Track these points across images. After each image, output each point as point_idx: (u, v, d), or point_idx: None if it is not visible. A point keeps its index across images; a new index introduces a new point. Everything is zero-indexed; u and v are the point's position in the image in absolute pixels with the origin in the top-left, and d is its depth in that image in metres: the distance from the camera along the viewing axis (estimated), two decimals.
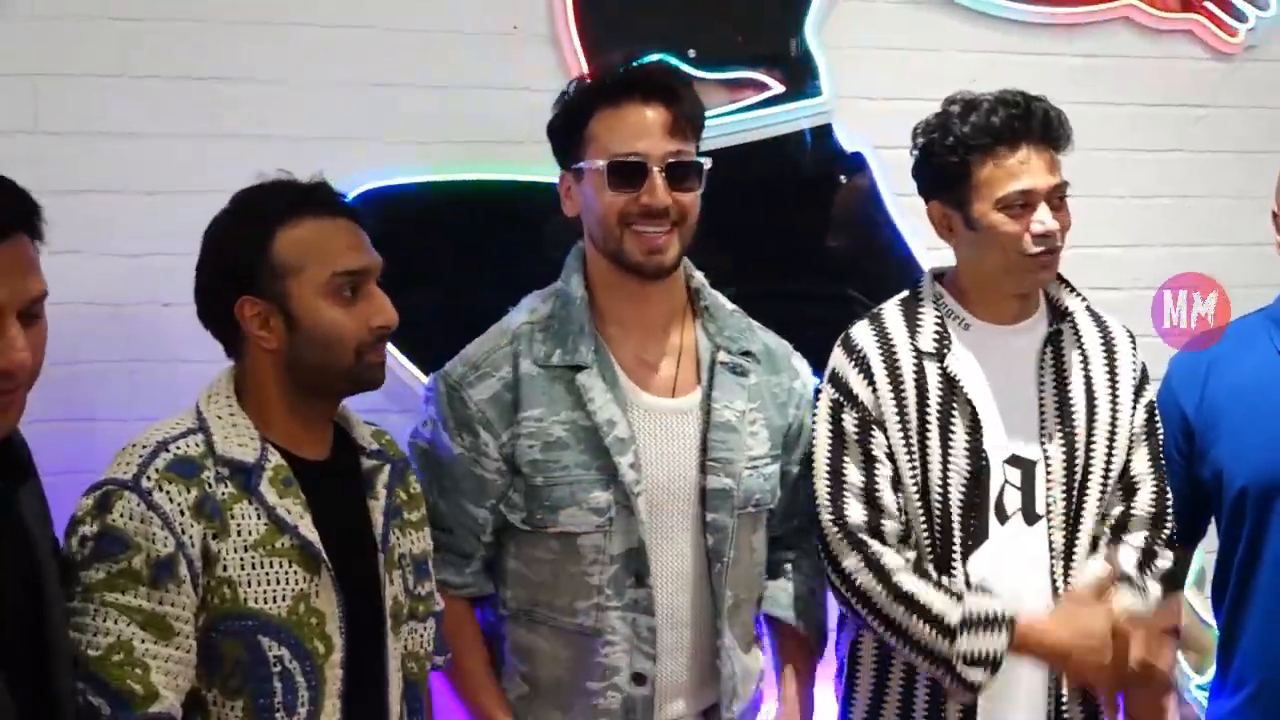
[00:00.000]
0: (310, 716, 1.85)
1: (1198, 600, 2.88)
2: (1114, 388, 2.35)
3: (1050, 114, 2.25)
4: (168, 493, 1.80)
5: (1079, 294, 2.38)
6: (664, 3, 2.87)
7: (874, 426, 2.28)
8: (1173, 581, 2.34)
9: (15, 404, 1.61)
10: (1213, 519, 2.47)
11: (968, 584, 2.24)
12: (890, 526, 2.26)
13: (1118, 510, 2.34)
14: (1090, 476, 2.31)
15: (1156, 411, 2.39)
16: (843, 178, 2.99)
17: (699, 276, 2.31)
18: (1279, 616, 2.32)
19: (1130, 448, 2.35)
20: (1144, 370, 2.40)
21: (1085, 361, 2.35)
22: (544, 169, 2.53)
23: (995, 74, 2.66)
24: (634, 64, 2.21)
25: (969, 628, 2.20)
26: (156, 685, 1.75)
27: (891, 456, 2.27)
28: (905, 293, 2.39)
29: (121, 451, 1.85)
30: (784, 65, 2.91)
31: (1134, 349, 2.40)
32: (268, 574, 1.84)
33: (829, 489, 2.28)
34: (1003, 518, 2.28)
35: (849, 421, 2.28)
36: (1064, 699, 2.29)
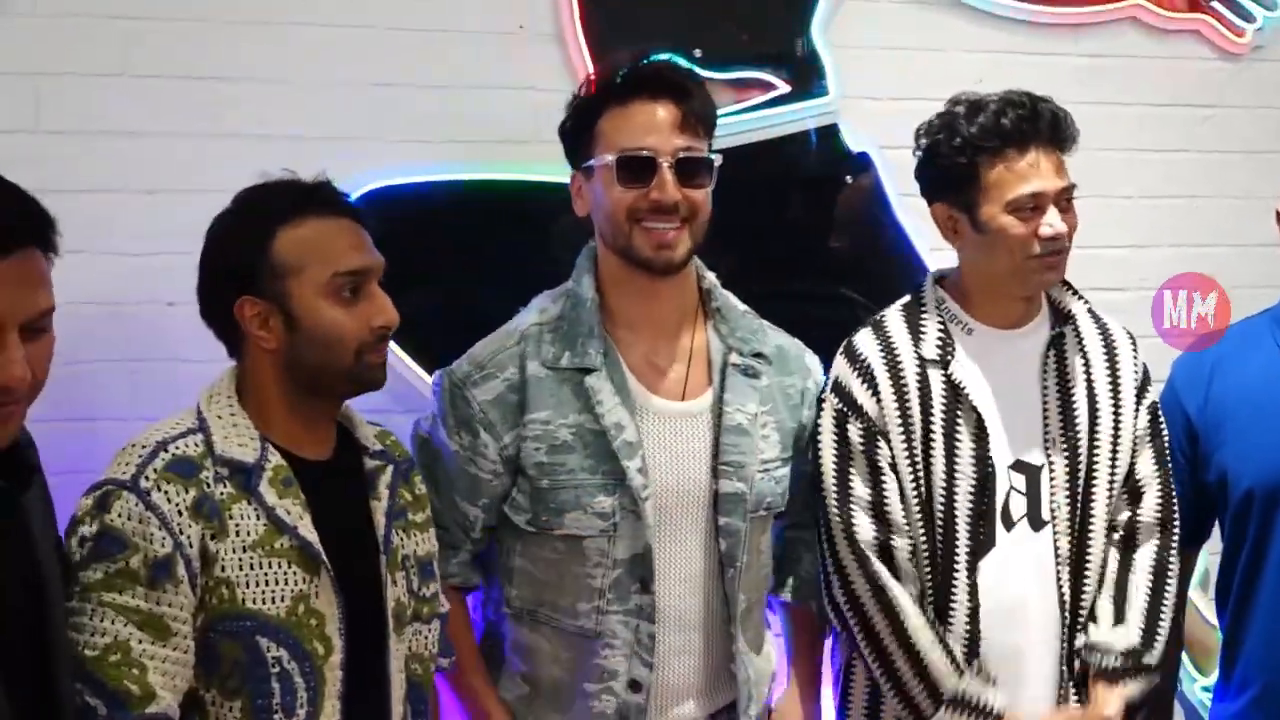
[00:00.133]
0: (309, 717, 1.85)
1: (1201, 601, 2.87)
2: (1116, 390, 2.34)
3: (1058, 115, 2.24)
4: (166, 493, 1.80)
5: (1081, 296, 2.37)
6: (670, 2, 2.86)
7: (879, 437, 2.26)
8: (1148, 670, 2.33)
9: (14, 416, 1.60)
10: (1216, 520, 2.46)
11: (975, 599, 2.23)
12: (900, 543, 2.24)
13: (1124, 516, 2.33)
14: (1095, 481, 2.30)
15: (1160, 413, 2.38)
16: (848, 178, 2.98)
17: (710, 277, 2.30)
18: None
19: (1135, 451, 2.34)
20: (1146, 372, 2.39)
21: (1087, 365, 2.34)
22: (549, 169, 2.52)
23: (1001, 74, 2.65)
24: (643, 62, 2.20)
25: (957, 706, 2.21)
26: (153, 685, 1.75)
27: (895, 467, 2.26)
28: (907, 298, 2.38)
29: (121, 451, 1.85)
30: (790, 65, 2.90)
31: (1135, 351, 2.39)
32: (266, 574, 1.83)
33: (838, 504, 2.26)
34: (1009, 524, 2.28)
35: (854, 432, 2.27)
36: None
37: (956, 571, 2.25)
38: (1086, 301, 2.38)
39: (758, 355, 2.26)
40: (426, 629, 2.04)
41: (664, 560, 2.17)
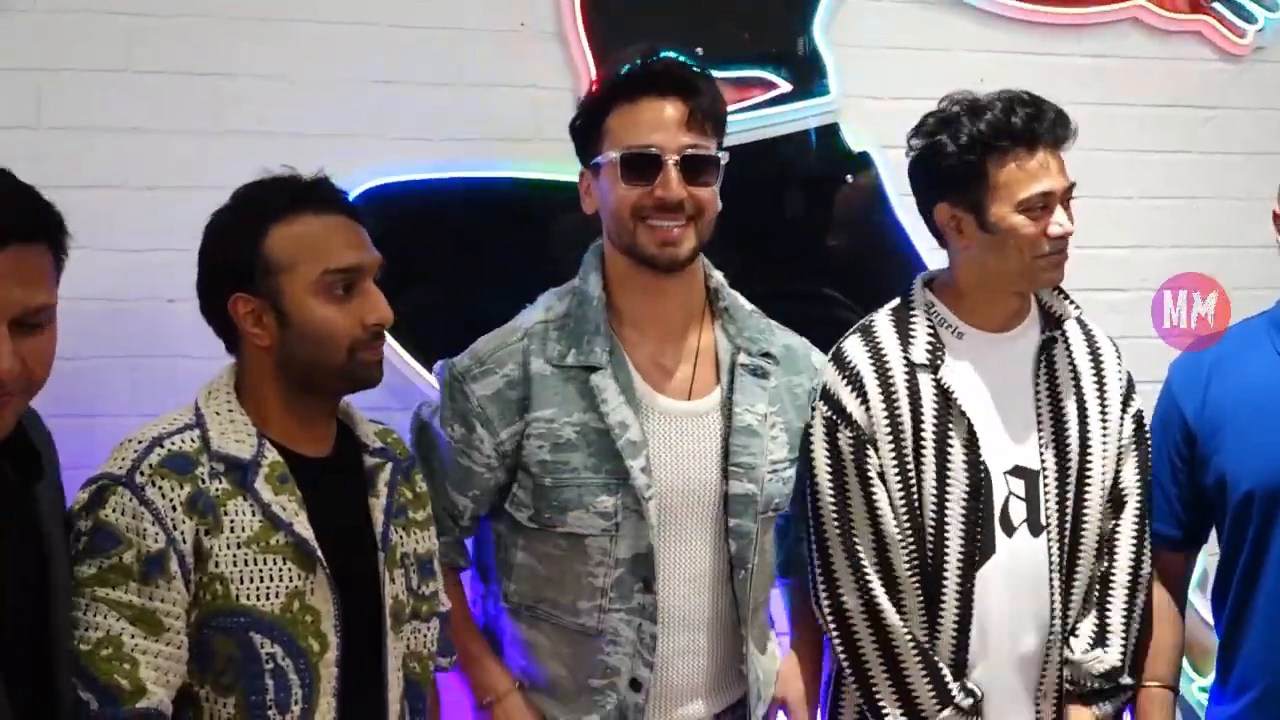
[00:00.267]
0: (304, 714, 1.85)
1: (1200, 603, 2.87)
2: (1103, 396, 2.35)
3: (1060, 114, 2.24)
4: (160, 488, 1.81)
5: (1070, 299, 2.37)
6: (671, 0, 2.85)
7: (868, 446, 2.25)
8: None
9: (7, 408, 1.60)
10: (1214, 523, 2.46)
11: (967, 607, 2.24)
12: (894, 557, 2.24)
13: (1109, 526, 2.34)
14: (1088, 487, 2.31)
15: (1144, 422, 2.39)
16: (849, 177, 2.98)
17: (718, 276, 2.29)
18: None
19: (1120, 458, 2.34)
20: (1130, 380, 2.40)
21: (1075, 370, 2.34)
22: (550, 166, 2.52)
23: (1003, 74, 2.65)
24: (653, 59, 2.19)
25: None
26: (144, 680, 1.76)
27: (884, 476, 2.25)
28: (896, 301, 2.37)
29: (118, 446, 1.86)
30: (791, 64, 2.90)
31: (1119, 358, 2.40)
32: (261, 571, 1.84)
33: (832, 515, 2.26)
34: (1009, 529, 2.27)
35: (844, 441, 2.26)
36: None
37: (946, 580, 2.24)
38: (1077, 306, 2.38)
39: (766, 355, 2.26)
40: (426, 627, 2.04)
41: (668, 560, 2.16)
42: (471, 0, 2.74)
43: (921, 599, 2.25)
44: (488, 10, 2.75)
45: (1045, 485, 2.28)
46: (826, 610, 2.27)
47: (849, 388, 2.27)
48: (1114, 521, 2.34)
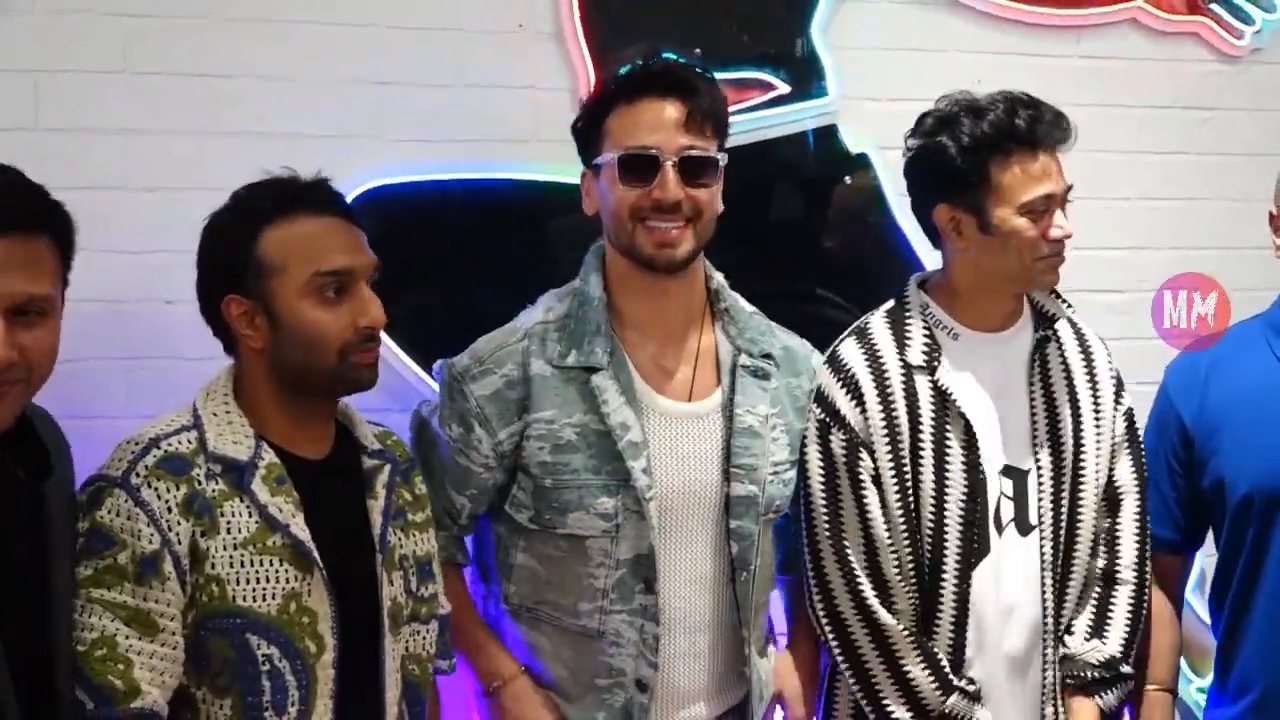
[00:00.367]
0: (301, 716, 1.85)
1: (1198, 603, 2.88)
2: (1096, 395, 2.35)
3: (1061, 116, 2.24)
4: (156, 490, 1.81)
5: (1062, 299, 2.37)
6: (670, 1, 2.85)
7: (861, 449, 2.25)
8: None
9: (7, 397, 1.61)
10: (1210, 525, 2.46)
11: (964, 607, 2.24)
12: (885, 558, 2.24)
13: (1105, 524, 2.34)
14: (1083, 485, 2.31)
15: (1135, 419, 2.40)
16: (847, 178, 2.98)
17: (719, 277, 2.29)
18: None
19: (1113, 457, 2.35)
20: (1119, 378, 2.41)
21: (1068, 368, 2.34)
22: (549, 168, 2.52)
23: (1001, 75, 2.65)
24: (653, 60, 2.19)
25: None
26: (138, 681, 1.76)
27: (878, 479, 2.24)
28: (890, 303, 2.37)
29: (117, 447, 1.87)
30: (789, 65, 2.90)
31: (1109, 357, 2.41)
32: (258, 572, 1.84)
33: (824, 518, 2.26)
34: (999, 529, 2.28)
35: (836, 444, 2.26)
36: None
37: (944, 581, 2.24)
38: (1069, 305, 2.38)
39: (766, 356, 2.25)
40: (425, 629, 2.04)
41: (669, 562, 2.16)
42: (470, 1, 2.74)
43: (914, 601, 2.25)
44: (486, 11, 2.74)
45: (1041, 484, 2.29)
46: (821, 615, 2.27)
47: (844, 391, 2.27)
48: (1111, 519, 2.35)
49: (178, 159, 2.57)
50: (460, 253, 2.71)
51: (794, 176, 2.97)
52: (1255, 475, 2.30)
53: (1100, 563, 2.34)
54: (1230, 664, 2.38)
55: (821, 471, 2.26)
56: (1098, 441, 2.33)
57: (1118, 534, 2.34)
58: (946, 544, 2.24)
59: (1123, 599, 2.33)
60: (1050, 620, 2.28)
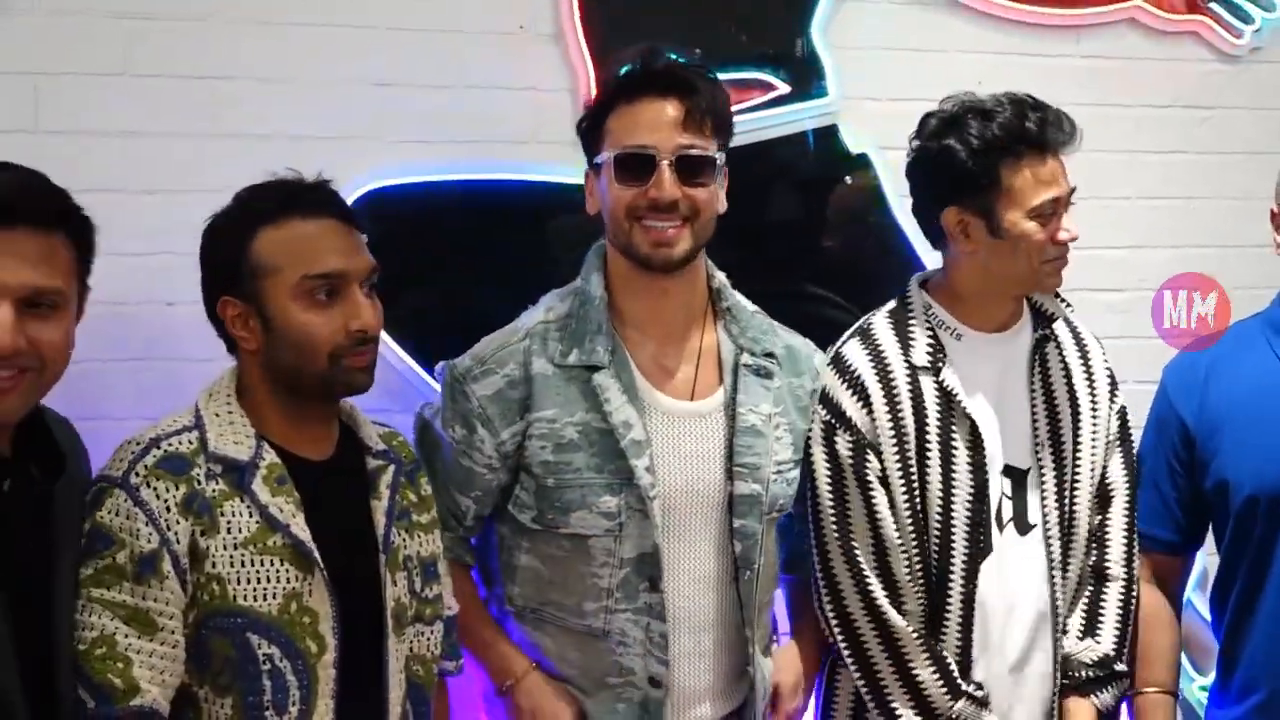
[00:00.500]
0: (301, 715, 1.85)
1: (1199, 601, 2.88)
2: (1093, 393, 2.36)
3: (1068, 119, 2.24)
4: (155, 489, 1.81)
5: (1060, 297, 2.38)
6: (670, 2, 2.85)
7: (868, 450, 2.25)
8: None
9: (15, 389, 1.62)
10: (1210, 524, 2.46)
11: (970, 607, 2.24)
12: (895, 559, 2.24)
13: (1096, 520, 2.35)
14: (1079, 484, 2.31)
15: (1128, 417, 2.40)
16: (848, 179, 2.98)
17: (720, 277, 2.29)
18: None
19: (1106, 453, 2.35)
20: (1114, 376, 2.41)
21: (1067, 367, 2.35)
22: (549, 168, 2.52)
23: (1001, 75, 2.66)
24: (654, 60, 2.18)
25: None
26: (138, 680, 1.77)
27: (886, 480, 2.24)
28: (892, 303, 2.36)
29: (119, 448, 1.88)
30: (789, 66, 2.90)
31: (1104, 355, 2.41)
32: (258, 572, 1.84)
33: (831, 521, 2.25)
34: (1000, 528, 2.28)
35: (842, 445, 2.26)
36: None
37: (951, 582, 2.25)
38: (1067, 305, 2.38)
39: (769, 355, 2.25)
40: (429, 630, 2.03)
41: (673, 561, 2.16)
42: (470, 2, 2.74)
43: (923, 601, 2.25)
44: (487, 12, 2.74)
45: (1043, 483, 2.29)
46: (830, 616, 2.27)
47: (850, 392, 2.27)
48: (1101, 515, 2.35)
49: (178, 161, 2.57)
50: (461, 253, 2.71)
51: (794, 177, 2.97)
52: (1258, 476, 2.29)
53: (1091, 559, 2.34)
54: (1234, 664, 2.37)
55: (828, 473, 2.26)
56: (1094, 440, 2.34)
57: (1107, 530, 2.34)
58: (954, 544, 2.24)
59: (1113, 596, 2.33)
60: (1061, 619, 2.28)
